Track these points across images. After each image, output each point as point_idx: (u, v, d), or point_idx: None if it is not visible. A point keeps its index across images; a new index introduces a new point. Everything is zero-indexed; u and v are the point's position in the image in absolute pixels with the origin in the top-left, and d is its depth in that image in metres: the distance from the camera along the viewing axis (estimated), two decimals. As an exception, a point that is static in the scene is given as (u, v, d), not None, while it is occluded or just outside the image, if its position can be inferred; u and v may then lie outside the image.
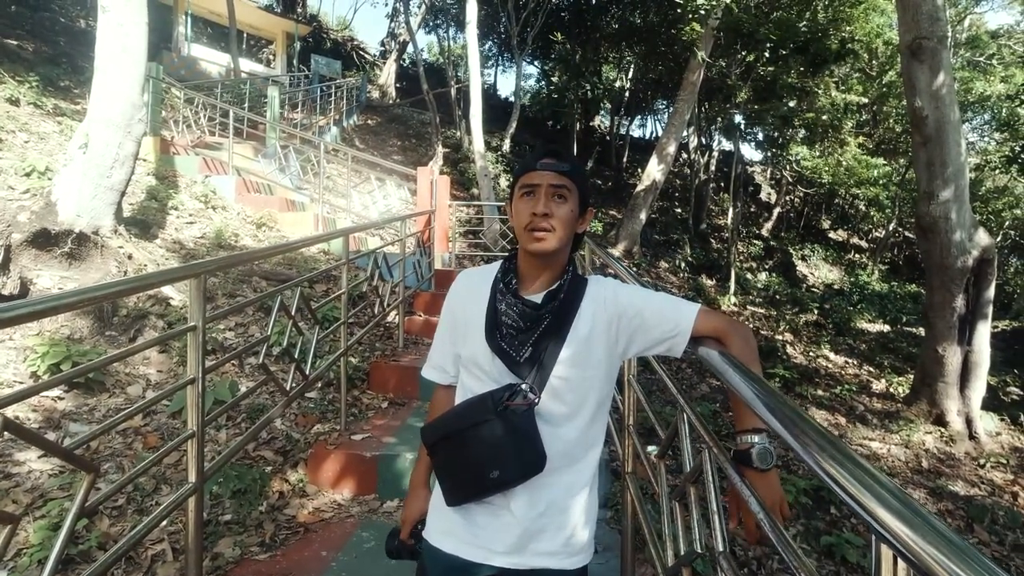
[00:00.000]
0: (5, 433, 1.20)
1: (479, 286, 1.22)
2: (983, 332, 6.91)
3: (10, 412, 1.35)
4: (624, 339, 1.18)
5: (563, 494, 1.14)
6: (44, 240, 4.07)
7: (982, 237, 6.80)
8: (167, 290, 4.41)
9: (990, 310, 6.97)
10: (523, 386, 1.10)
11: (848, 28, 12.46)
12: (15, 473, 2.60)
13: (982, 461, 6.38)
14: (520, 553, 1.12)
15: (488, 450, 1.09)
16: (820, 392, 8.13)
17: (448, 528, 1.17)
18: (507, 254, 1.26)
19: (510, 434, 1.08)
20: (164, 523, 2.44)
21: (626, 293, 1.20)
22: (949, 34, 6.99)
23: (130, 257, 4.61)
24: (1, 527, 1.24)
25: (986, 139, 18.97)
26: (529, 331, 1.13)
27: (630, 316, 1.16)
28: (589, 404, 1.16)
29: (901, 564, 0.59)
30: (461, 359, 1.23)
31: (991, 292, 6.90)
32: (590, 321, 1.15)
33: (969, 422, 6.86)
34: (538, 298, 1.15)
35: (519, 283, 1.18)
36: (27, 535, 2.27)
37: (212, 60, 16.34)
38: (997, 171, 15.81)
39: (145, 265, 4.69)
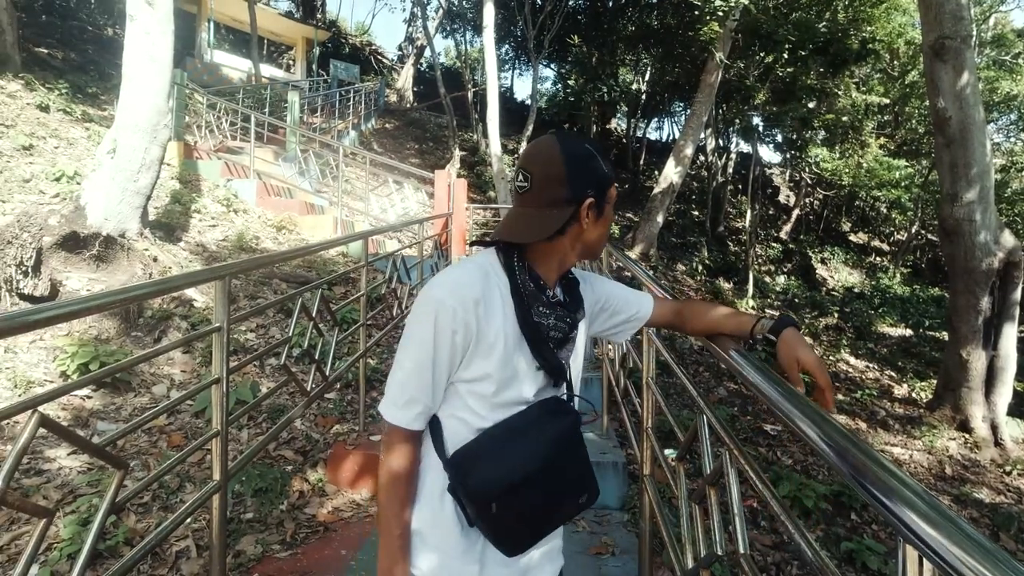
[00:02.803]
0: (39, 430, 1.24)
1: (487, 300, 0.97)
2: (1009, 336, 6.76)
3: (42, 410, 1.40)
4: (591, 323, 1.20)
5: None
6: (73, 243, 4.17)
7: (1008, 239, 6.66)
8: (191, 292, 4.49)
9: (1016, 313, 6.82)
10: (568, 394, 1.06)
11: (869, 28, 12.31)
12: (46, 470, 2.67)
13: (1008, 468, 6.24)
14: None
15: (578, 474, 1.01)
16: (840, 396, 8.02)
17: None
18: (484, 247, 1.06)
19: (586, 451, 1.03)
20: (188, 520, 2.48)
21: (595, 280, 1.21)
22: (973, 33, 6.87)
23: (155, 259, 4.71)
24: (36, 521, 1.28)
25: (1012, 139, 18.58)
26: (571, 339, 1.06)
27: (602, 301, 1.20)
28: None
29: (927, 566, 0.59)
30: (458, 389, 0.99)
31: (1017, 295, 6.75)
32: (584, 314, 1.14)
33: (995, 428, 6.72)
34: (559, 296, 1.07)
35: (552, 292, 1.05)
36: (57, 530, 2.33)
37: (234, 66, 16.62)
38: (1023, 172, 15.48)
39: (169, 267, 4.78)
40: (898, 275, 17.27)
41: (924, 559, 0.59)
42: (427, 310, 0.96)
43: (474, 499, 0.94)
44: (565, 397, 1.04)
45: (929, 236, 19.54)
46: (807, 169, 17.19)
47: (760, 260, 16.16)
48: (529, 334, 0.98)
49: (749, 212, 15.53)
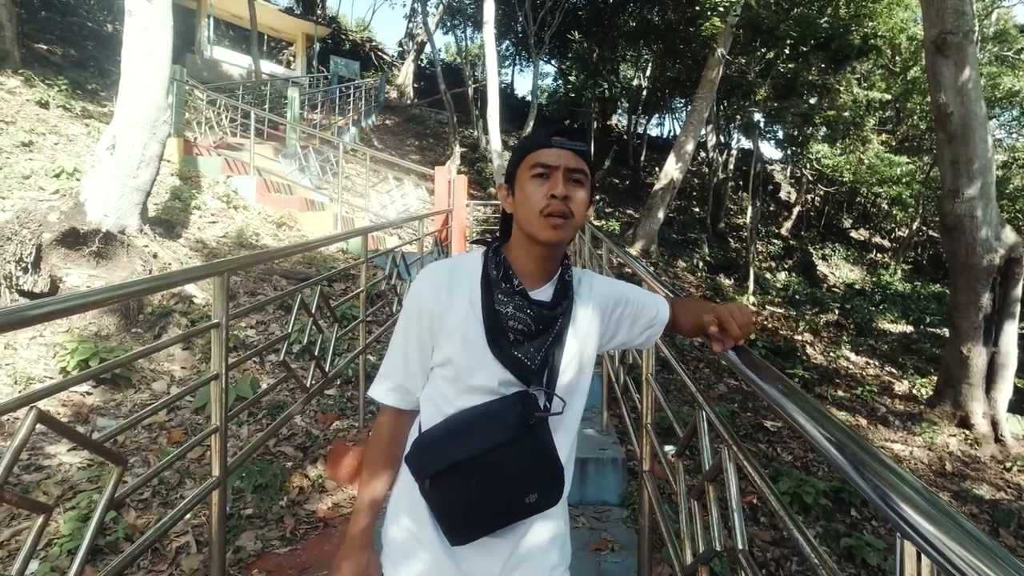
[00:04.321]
0: (38, 426, 1.24)
1: (452, 286, 1.03)
2: (1010, 332, 6.76)
3: (41, 406, 1.40)
4: (611, 331, 1.14)
5: (546, 512, 1.04)
6: (73, 239, 4.17)
7: (1009, 235, 6.65)
8: (190, 288, 4.49)
9: (1018, 310, 6.82)
10: (546, 394, 1.00)
11: (871, 23, 12.26)
12: (46, 465, 2.67)
13: (1008, 464, 6.24)
14: None
15: (523, 472, 0.96)
16: (840, 393, 8.02)
17: (424, 570, 1.02)
18: (485, 246, 1.09)
19: (542, 451, 0.97)
20: (188, 516, 2.49)
21: (606, 283, 1.15)
22: (975, 28, 6.85)
23: (155, 256, 4.71)
24: (35, 517, 1.28)
25: (1014, 136, 18.53)
26: (542, 335, 1.00)
27: (621, 307, 1.13)
28: (580, 407, 1.10)
29: (925, 561, 0.59)
30: (434, 373, 1.05)
31: (1019, 291, 6.74)
32: (586, 315, 1.08)
33: (995, 424, 6.72)
34: (545, 295, 1.04)
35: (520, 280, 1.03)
36: (58, 526, 2.33)
37: (234, 62, 16.59)
38: (1025, 168, 15.44)
39: (169, 264, 4.78)
40: (899, 272, 17.24)
41: (922, 555, 0.58)
42: (406, 297, 1.07)
43: (415, 475, 1.01)
44: (540, 393, 0.99)
45: (930, 232, 19.52)
46: (808, 165, 17.16)
47: (761, 257, 16.14)
48: (487, 321, 0.99)
49: (750, 208, 15.49)
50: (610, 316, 1.12)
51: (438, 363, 1.02)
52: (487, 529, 0.98)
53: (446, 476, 0.96)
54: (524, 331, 0.99)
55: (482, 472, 0.94)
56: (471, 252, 1.09)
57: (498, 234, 1.13)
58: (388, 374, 1.08)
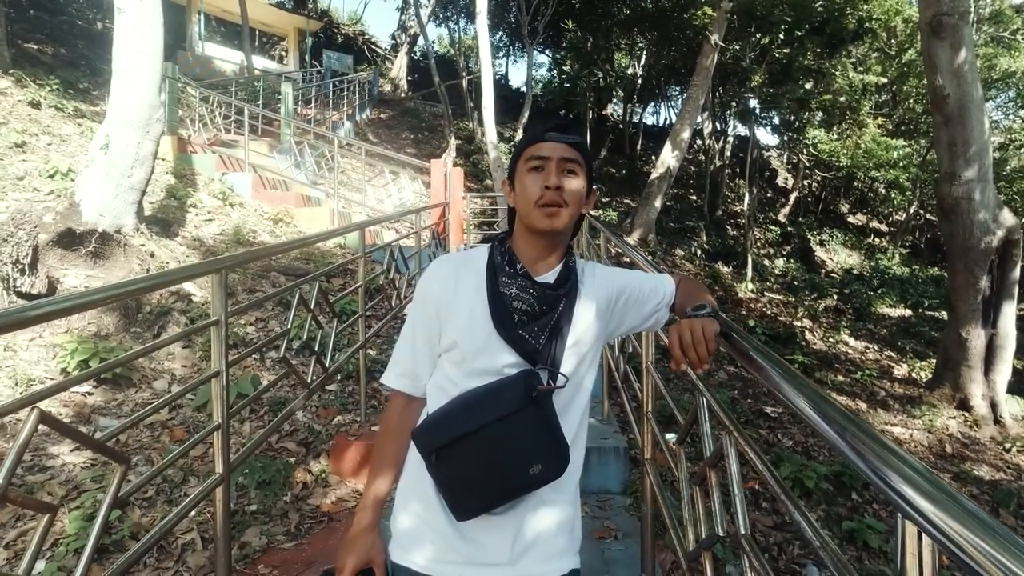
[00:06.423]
0: (41, 427, 1.24)
1: (460, 274, 1.09)
2: (1008, 314, 6.78)
3: (43, 407, 1.39)
4: (617, 318, 1.16)
5: (554, 492, 1.07)
6: (69, 240, 4.16)
7: (1007, 217, 6.65)
8: (189, 287, 4.48)
9: (1015, 291, 6.84)
10: (549, 372, 1.03)
11: (865, 6, 12.20)
12: (50, 466, 2.68)
13: (1008, 445, 6.28)
14: (513, 564, 1.03)
15: (527, 443, 0.98)
16: (840, 378, 8.05)
17: (434, 553, 1.04)
18: (493, 239, 1.15)
19: (545, 423, 1.00)
20: (193, 513, 2.50)
21: (611, 272, 1.18)
22: (971, 9, 6.81)
23: (152, 255, 4.69)
24: (40, 517, 1.28)
25: (1011, 117, 18.49)
26: (546, 315, 1.05)
27: (625, 294, 1.15)
28: (585, 389, 1.12)
29: (926, 540, 0.59)
30: (441, 360, 1.09)
31: (1016, 273, 6.76)
32: (590, 302, 1.11)
33: (994, 406, 6.75)
34: (548, 280, 1.08)
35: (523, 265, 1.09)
36: (63, 525, 2.34)
37: (226, 58, 16.47)
38: (1023, 150, 15.43)
39: (167, 263, 4.77)
40: (897, 256, 17.26)
41: (923, 534, 0.59)
42: (416, 288, 1.13)
43: (421, 451, 1.03)
44: (544, 372, 1.02)
45: (928, 216, 19.51)
46: (805, 151, 17.13)
47: (759, 243, 16.15)
48: (492, 303, 1.04)
49: (747, 195, 15.48)
50: (615, 303, 1.15)
51: (445, 348, 1.07)
52: (493, 502, 1.01)
53: (452, 448, 0.99)
54: (528, 311, 1.04)
55: (487, 443, 0.98)
56: (479, 248, 1.15)
57: (505, 230, 1.19)
58: (398, 361, 1.13)
